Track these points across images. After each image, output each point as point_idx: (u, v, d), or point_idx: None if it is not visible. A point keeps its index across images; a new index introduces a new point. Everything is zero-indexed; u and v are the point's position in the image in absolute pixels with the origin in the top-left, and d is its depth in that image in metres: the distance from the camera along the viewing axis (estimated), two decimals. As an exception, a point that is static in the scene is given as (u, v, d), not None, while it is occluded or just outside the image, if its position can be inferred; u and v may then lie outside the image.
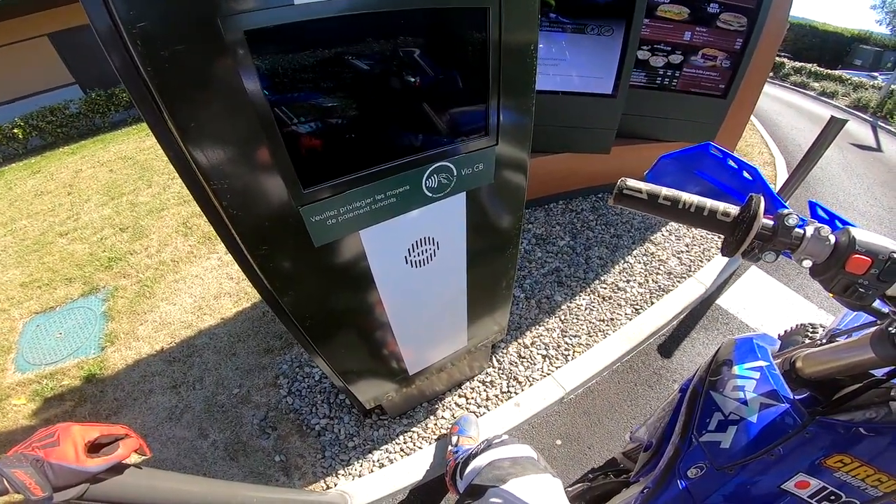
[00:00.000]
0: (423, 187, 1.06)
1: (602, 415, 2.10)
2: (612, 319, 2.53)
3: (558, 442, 1.99)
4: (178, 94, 0.69)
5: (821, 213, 0.67)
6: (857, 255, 0.51)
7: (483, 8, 0.89)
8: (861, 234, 0.53)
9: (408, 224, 1.12)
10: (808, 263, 0.56)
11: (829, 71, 12.19)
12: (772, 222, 0.56)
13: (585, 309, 2.60)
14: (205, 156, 0.76)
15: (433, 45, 0.92)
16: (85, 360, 2.51)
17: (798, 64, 12.76)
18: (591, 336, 2.43)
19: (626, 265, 2.95)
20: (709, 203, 0.59)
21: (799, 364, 0.77)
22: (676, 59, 3.01)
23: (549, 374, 2.21)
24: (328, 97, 0.85)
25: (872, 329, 0.63)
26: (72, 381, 2.38)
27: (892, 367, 0.62)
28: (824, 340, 0.95)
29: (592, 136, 3.06)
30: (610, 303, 2.65)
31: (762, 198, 0.56)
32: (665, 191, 0.60)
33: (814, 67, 12.37)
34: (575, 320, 2.52)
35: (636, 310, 2.60)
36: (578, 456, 1.95)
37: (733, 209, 0.58)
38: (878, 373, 0.67)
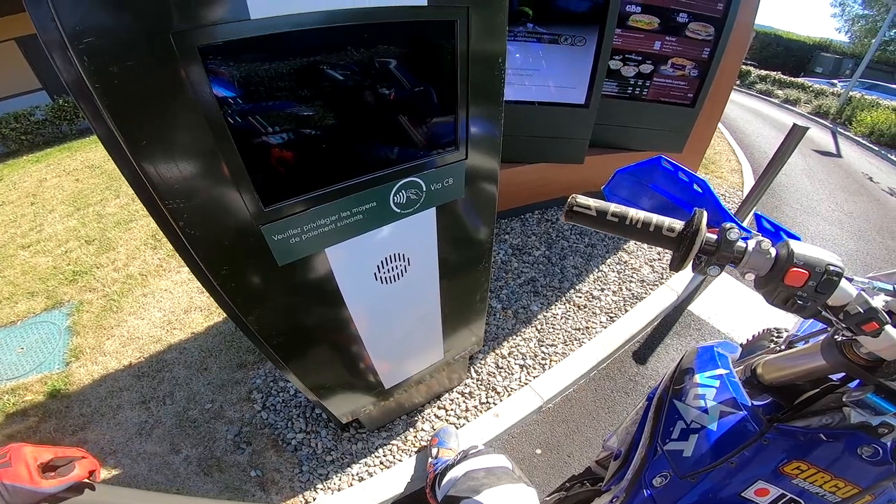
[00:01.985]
0: (391, 203, 1.04)
1: (580, 423, 2.11)
2: (587, 328, 2.56)
3: (538, 451, 1.99)
4: (128, 111, 0.66)
5: (766, 225, 0.68)
6: (795, 269, 0.52)
7: (451, 21, 0.89)
8: (799, 248, 0.54)
9: (376, 241, 1.10)
10: (750, 276, 0.58)
11: (793, 79, 12.70)
12: (715, 236, 0.57)
13: (561, 318, 2.62)
14: (159, 174, 0.73)
15: (399, 60, 0.91)
16: (49, 375, 2.41)
17: (763, 72, 13.27)
18: (567, 345, 2.45)
19: (600, 274, 3.00)
20: (655, 219, 0.59)
21: (759, 371, 0.78)
22: (647, 68, 3.07)
23: (527, 384, 2.21)
24: (288, 113, 0.83)
25: (823, 336, 0.65)
26: (35, 397, 2.28)
27: (845, 373, 0.64)
28: (783, 347, 0.98)
29: (566, 147, 3.09)
30: (585, 311, 2.68)
31: (705, 212, 0.57)
32: (613, 207, 0.60)
33: (778, 75, 12.89)
34: (551, 329, 2.53)
35: (611, 318, 2.64)
36: (559, 464, 1.95)
37: (678, 224, 0.58)
38: (835, 378, 0.69)
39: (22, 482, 0.53)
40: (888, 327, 0.52)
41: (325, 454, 1.89)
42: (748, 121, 8.41)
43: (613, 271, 3.02)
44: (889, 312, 0.61)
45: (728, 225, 0.56)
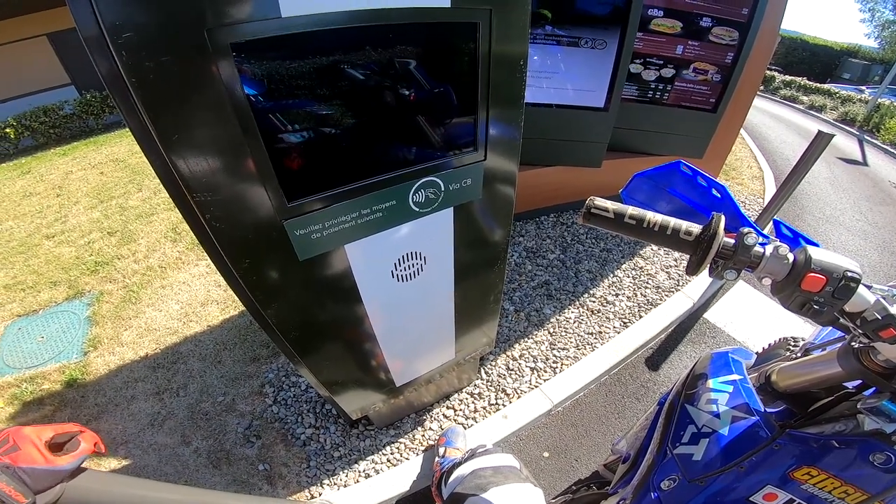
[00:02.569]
0: (410, 202, 1.05)
1: (589, 427, 2.10)
2: (600, 332, 2.54)
3: (545, 454, 1.99)
4: (162, 105, 0.68)
5: (785, 231, 0.68)
6: (812, 274, 0.52)
7: (473, 23, 0.90)
8: (817, 253, 0.53)
9: (394, 239, 1.11)
10: (767, 281, 0.57)
11: (819, 85, 12.34)
12: (733, 241, 0.57)
13: (574, 322, 2.60)
14: (188, 167, 0.76)
15: (422, 61, 0.92)
16: (67, 364, 2.47)
17: (788, 77, 12.90)
18: (579, 349, 2.43)
19: (615, 279, 2.97)
20: (672, 222, 0.59)
21: (774, 377, 0.78)
22: (668, 72, 3.04)
23: (537, 387, 2.20)
24: (315, 110, 0.85)
25: (840, 344, 0.64)
26: (52, 386, 2.34)
27: (861, 381, 0.63)
28: (799, 354, 0.97)
29: (584, 150, 3.07)
30: (598, 316, 2.66)
31: (722, 217, 0.57)
32: (631, 210, 0.61)
33: (803, 81, 12.52)
34: (563, 333, 2.52)
35: (624, 323, 2.62)
36: (566, 468, 1.94)
37: (696, 228, 0.59)
38: (850, 385, 0.68)
39: (38, 463, 0.52)
40: None
41: (333, 450, 1.91)
42: (771, 127, 8.22)
43: (629, 276, 2.99)
44: None
45: (746, 230, 0.56)
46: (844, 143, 7.70)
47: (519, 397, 2.15)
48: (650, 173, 0.76)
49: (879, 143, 7.72)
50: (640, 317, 2.66)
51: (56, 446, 0.57)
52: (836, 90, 11.60)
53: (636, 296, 2.83)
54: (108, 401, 2.22)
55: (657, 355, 2.51)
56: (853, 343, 0.62)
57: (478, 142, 1.06)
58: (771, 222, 0.72)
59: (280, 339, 1.17)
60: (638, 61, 2.99)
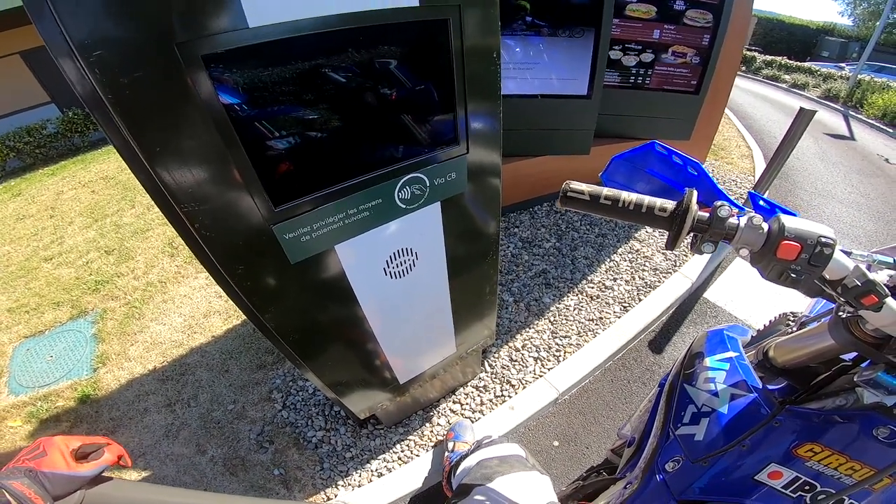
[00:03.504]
0: (396, 199, 1.06)
1: (597, 414, 2.11)
2: (601, 318, 2.55)
3: (555, 443, 2.00)
4: (141, 119, 0.70)
5: (762, 203, 0.68)
6: (786, 242, 0.52)
7: (443, 19, 0.91)
8: (790, 221, 0.53)
9: (383, 236, 1.12)
10: (744, 252, 0.57)
11: (799, 63, 12.45)
12: (708, 214, 0.57)
13: (574, 309, 2.61)
14: (173, 179, 0.77)
15: (395, 59, 0.93)
16: (78, 381, 2.51)
17: (769, 57, 13.01)
18: (581, 336, 2.44)
19: (612, 264, 2.98)
20: (647, 200, 0.60)
21: (771, 353, 0.77)
22: (647, 57, 3.06)
23: (541, 376, 2.21)
24: (294, 115, 0.86)
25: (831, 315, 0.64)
26: (66, 403, 2.37)
27: (856, 353, 0.63)
28: (795, 328, 0.97)
29: (571, 138, 3.09)
30: (598, 302, 2.67)
31: (695, 192, 0.58)
32: (606, 191, 0.61)
33: (784, 60, 12.62)
34: (564, 321, 2.53)
35: (624, 307, 2.62)
36: (577, 456, 1.95)
37: (670, 204, 0.59)
38: (847, 358, 0.68)
39: (59, 469, 0.55)
40: (889, 300, 0.51)
41: (344, 451, 1.92)
42: (756, 106, 8.27)
43: (625, 260, 3.00)
44: (890, 287, 0.61)
45: (720, 203, 0.57)
46: (830, 119, 7.75)
47: (524, 388, 2.16)
48: (627, 155, 0.76)
49: (864, 118, 7.78)
50: (640, 300, 2.67)
51: (82, 455, 0.60)
52: (817, 68, 11.71)
53: (634, 279, 2.84)
54: (122, 414, 2.26)
55: (660, 338, 2.52)
56: (840, 313, 0.61)
57: (459, 135, 1.07)
58: (746, 195, 0.72)
59: (281, 343, 1.18)
60: (617, 48, 3.01)
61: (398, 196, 1.06)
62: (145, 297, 3.12)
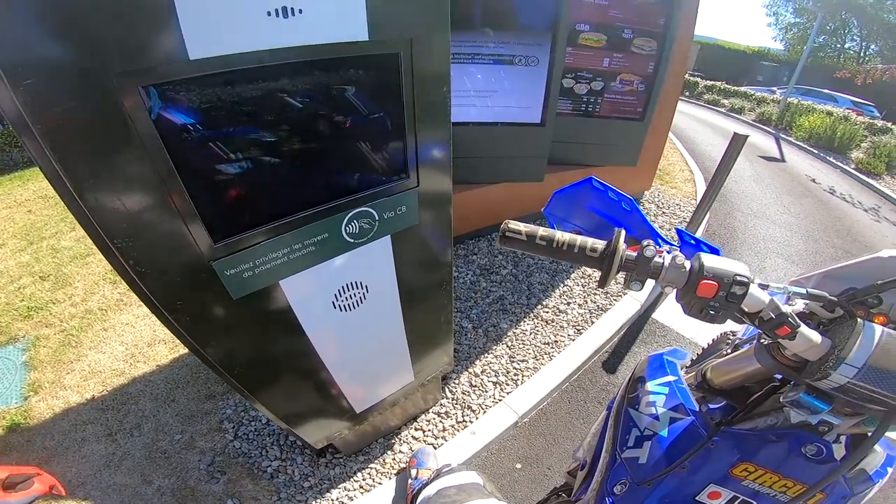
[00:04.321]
0: (344, 234, 1.05)
1: (557, 434, 2.14)
2: (556, 341, 2.61)
3: (518, 466, 2.00)
4: (73, 152, 0.66)
5: (688, 239, 0.71)
6: (705, 280, 0.55)
7: (394, 53, 0.92)
8: (709, 260, 0.56)
9: (331, 271, 1.10)
10: (669, 290, 0.60)
11: (736, 88, 13.39)
12: (635, 254, 0.59)
13: (530, 333, 2.66)
14: (106, 214, 0.73)
15: (344, 93, 0.93)
16: (7, 409, 2.31)
17: (710, 82, 13.91)
18: (537, 359, 2.48)
19: (565, 288, 3.07)
20: (579, 240, 0.62)
21: (709, 375, 0.80)
22: (598, 85, 3.22)
23: (501, 400, 2.22)
24: (236, 148, 0.83)
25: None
26: (-8, 432, 2.18)
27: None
28: (729, 350, 1.02)
29: (526, 165, 3.17)
30: (553, 325, 2.73)
31: (623, 232, 0.60)
32: (541, 231, 0.63)
33: (723, 85, 13.55)
34: (521, 345, 2.57)
35: (578, 330, 2.70)
36: (540, 477, 1.96)
37: (600, 244, 0.61)
38: (778, 378, 0.70)
39: None
40: (802, 329, 0.54)
41: (302, 480, 1.86)
42: (698, 131, 8.80)
43: (578, 285, 3.10)
44: (806, 314, 0.64)
45: (646, 242, 0.59)
46: (763, 141, 8.38)
47: (485, 412, 2.16)
48: (566, 190, 0.78)
49: (793, 140, 8.48)
50: (592, 322, 2.75)
51: (10, 485, 0.58)
52: (752, 92, 12.61)
53: (587, 302, 2.93)
54: (56, 444, 2.10)
55: (613, 358, 2.60)
56: (763, 340, 0.65)
57: (409, 168, 1.07)
58: (674, 231, 0.75)
59: (225, 375, 1.13)
60: (570, 76, 3.15)
61: (345, 230, 1.04)
62: (83, 325, 2.91)
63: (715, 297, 0.55)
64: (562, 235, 0.62)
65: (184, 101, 0.74)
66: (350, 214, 1.03)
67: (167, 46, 0.67)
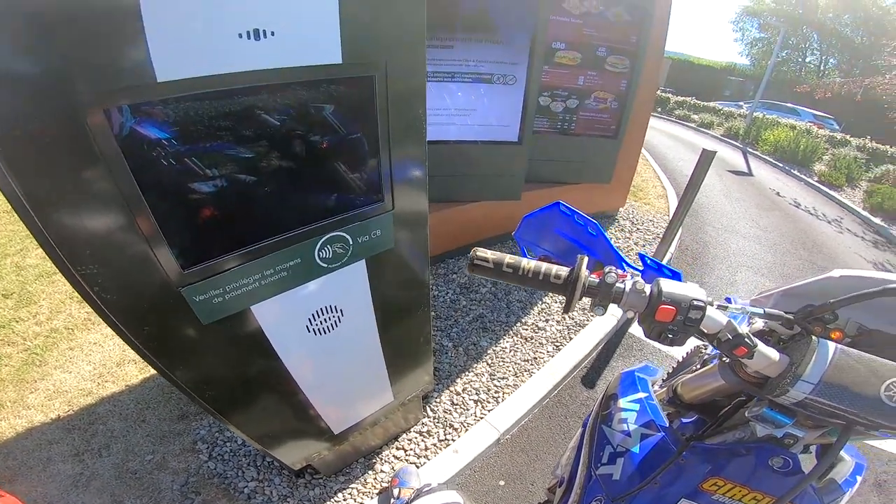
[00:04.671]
0: (317, 259, 1.03)
1: (539, 450, 2.15)
2: (535, 358, 2.63)
3: (501, 482, 1.99)
4: (35, 177, 0.64)
5: (650, 263, 0.73)
6: (664, 305, 0.56)
7: (368, 76, 0.92)
8: (668, 286, 0.58)
9: (304, 295, 1.08)
10: (631, 314, 0.61)
11: (705, 103, 13.78)
12: (598, 280, 0.61)
13: (510, 351, 2.67)
14: (69, 241, 0.71)
15: (319, 116, 0.93)
16: None
17: (681, 98, 14.33)
18: (518, 377, 2.49)
19: (544, 305, 3.10)
20: (543, 267, 0.63)
21: (679, 391, 0.82)
22: (573, 103, 3.29)
23: (482, 418, 2.21)
24: (205, 173, 0.82)
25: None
26: (-50, 452, 2.06)
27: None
28: (698, 366, 1.03)
29: (503, 184, 3.20)
30: (532, 343, 2.76)
31: (585, 258, 0.62)
32: (508, 258, 0.64)
33: (692, 101, 13.95)
34: (501, 363, 2.58)
35: (557, 347, 2.73)
36: (523, 494, 1.96)
37: (564, 271, 0.62)
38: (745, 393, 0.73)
39: None
40: (759, 348, 0.56)
41: (280, 501, 1.81)
42: (670, 147, 9.01)
43: (556, 302, 3.13)
44: (767, 332, 0.66)
45: (608, 268, 0.61)
46: (732, 156, 8.66)
47: (467, 430, 2.15)
48: (536, 215, 0.79)
49: (759, 154, 8.80)
50: (571, 339, 2.79)
51: None
52: (720, 107, 13.01)
53: (565, 319, 2.96)
54: (19, 464, 2.01)
55: (591, 373, 2.64)
56: (724, 358, 0.66)
57: (384, 192, 1.07)
58: (637, 256, 0.77)
59: (196, 399, 1.09)
60: (546, 94, 3.21)
61: (319, 255, 1.03)
62: (48, 344, 2.79)
63: (673, 321, 0.57)
64: (527, 263, 0.63)
65: (152, 124, 0.73)
66: (323, 239, 1.01)
67: (134, 68, 0.66)
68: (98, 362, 2.63)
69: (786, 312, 0.61)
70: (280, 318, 1.07)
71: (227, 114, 0.80)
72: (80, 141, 0.65)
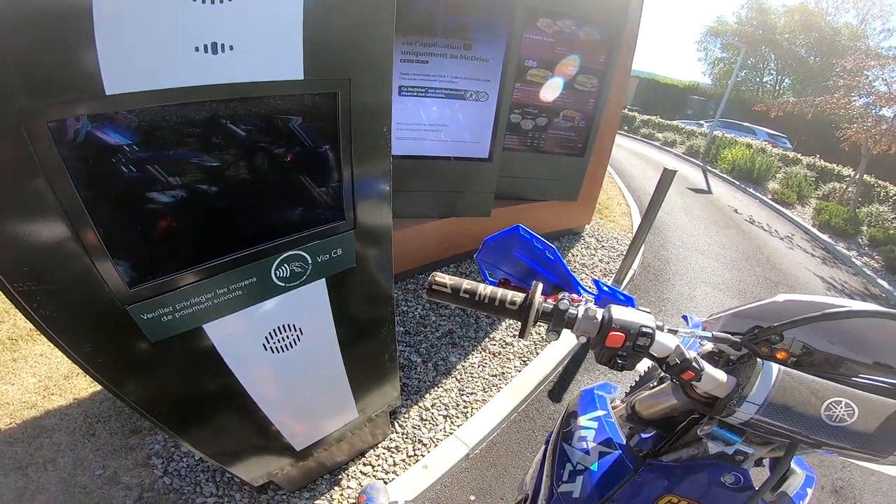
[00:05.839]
0: (273, 278, 1.00)
1: (508, 465, 2.15)
2: (503, 373, 2.65)
3: (472, 497, 1.99)
4: None
5: (605, 288, 0.75)
6: (613, 332, 0.58)
7: (331, 93, 0.91)
8: (618, 312, 0.60)
9: (260, 314, 1.05)
10: (583, 339, 0.63)
11: (669, 122, 14.23)
12: (552, 305, 0.62)
13: (479, 366, 2.69)
14: (5, 256, 0.67)
15: (278, 132, 0.90)
16: None
17: (646, 117, 14.81)
18: (486, 391, 2.50)
19: (511, 322, 3.12)
20: (499, 293, 0.64)
21: (637, 407, 0.83)
22: (542, 121, 3.36)
23: (451, 433, 2.21)
24: (154, 187, 0.79)
25: None
26: None
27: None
28: (655, 384, 1.06)
29: (473, 200, 3.22)
30: (500, 358, 2.79)
31: (539, 285, 0.63)
32: (465, 284, 0.65)
33: (657, 119, 14.43)
34: (470, 378, 2.59)
35: (524, 362, 2.77)
36: (494, 509, 1.93)
37: (519, 297, 0.64)
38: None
39: None
40: (707, 371, 0.59)
41: None
42: (634, 164, 9.29)
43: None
44: (716, 353, 0.68)
45: (562, 295, 0.62)
46: (692, 173, 9.01)
47: (436, 446, 2.14)
48: (497, 237, 0.80)
49: (718, 172, 9.19)
50: (537, 354, 2.84)
51: None
52: (683, 126, 13.38)
53: (531, 335, 2.98)
54: None
55: (558, 387, 2.68)
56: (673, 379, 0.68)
57: (345, 210, 1.05)
58: (591, 281, 0.78)
59: (146, 416, 1.03)
60: (517, 111, 3.26)
61: (275, 274, 1.00)
62: (-11, 355, 2.61)
63: (623, 347, 0.58)
64: (484, 289, 0.64)
65: (99, 134, 0.70)
66: (280, 258, 0.99)
67: (81, 80, 0.63)
68: (44, 374, 2.50)
69: (733, 335, 0.63)
70: (235, 336, 1.04)
71: (181, 124, 0.78)
72: (18, 150, 0.61)
